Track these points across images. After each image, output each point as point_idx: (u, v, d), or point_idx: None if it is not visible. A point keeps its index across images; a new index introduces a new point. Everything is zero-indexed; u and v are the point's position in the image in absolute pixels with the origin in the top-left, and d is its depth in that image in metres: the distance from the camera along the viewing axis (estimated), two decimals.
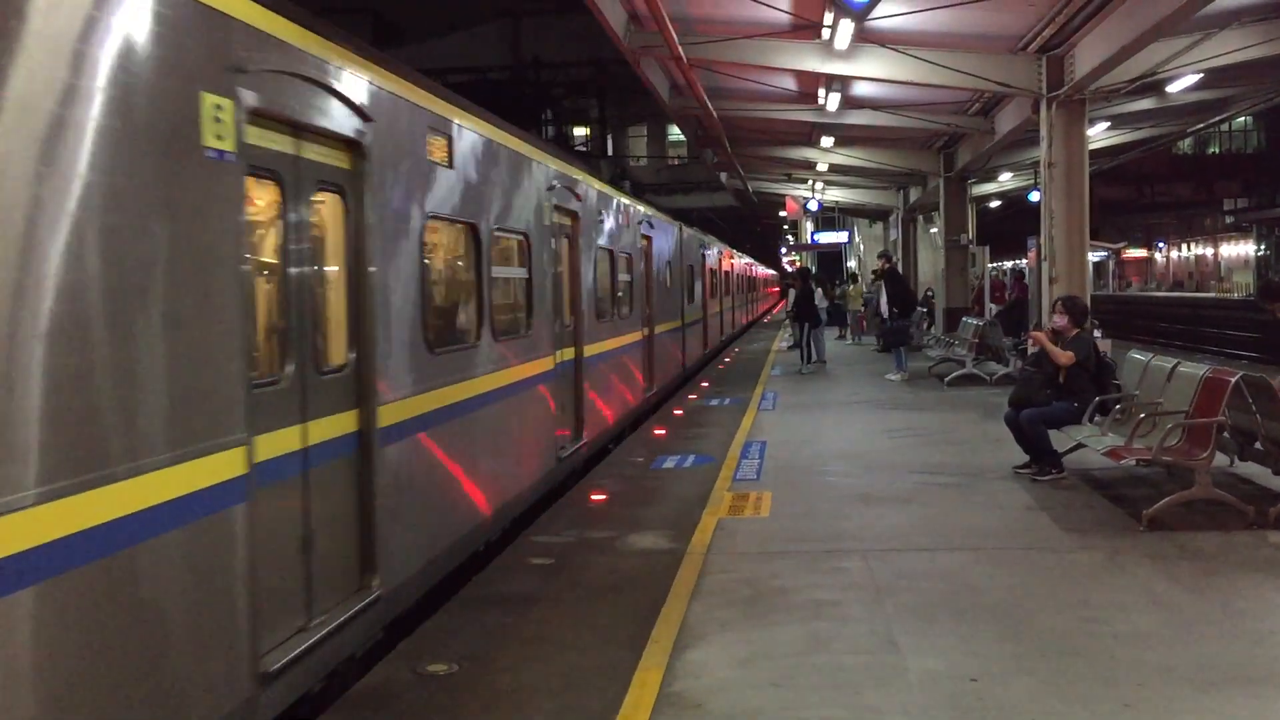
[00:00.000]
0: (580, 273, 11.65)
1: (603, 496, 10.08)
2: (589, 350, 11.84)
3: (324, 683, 5.49)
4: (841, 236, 48.49)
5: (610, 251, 13.57)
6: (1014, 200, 36.62)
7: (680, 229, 21.17)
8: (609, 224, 13.45)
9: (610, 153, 39.52)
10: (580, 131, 38.38)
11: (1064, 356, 10.27)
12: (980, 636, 6.01)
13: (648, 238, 16.84)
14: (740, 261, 41.03)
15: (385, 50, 6.74)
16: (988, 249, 27.08)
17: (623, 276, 14.48)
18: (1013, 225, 36.79)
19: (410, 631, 6.39)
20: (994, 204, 39.84)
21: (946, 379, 19.08)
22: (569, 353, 11.10)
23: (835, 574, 7.29)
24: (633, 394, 14.96)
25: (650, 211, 17.65)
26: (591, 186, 12.36)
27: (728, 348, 31.72)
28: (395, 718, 5.15)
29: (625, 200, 15.20)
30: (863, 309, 30.96)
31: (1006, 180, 32.25)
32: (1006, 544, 8.04)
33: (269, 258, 5.16)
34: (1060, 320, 10.62)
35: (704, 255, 25.68)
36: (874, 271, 35.74)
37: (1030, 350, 11.15)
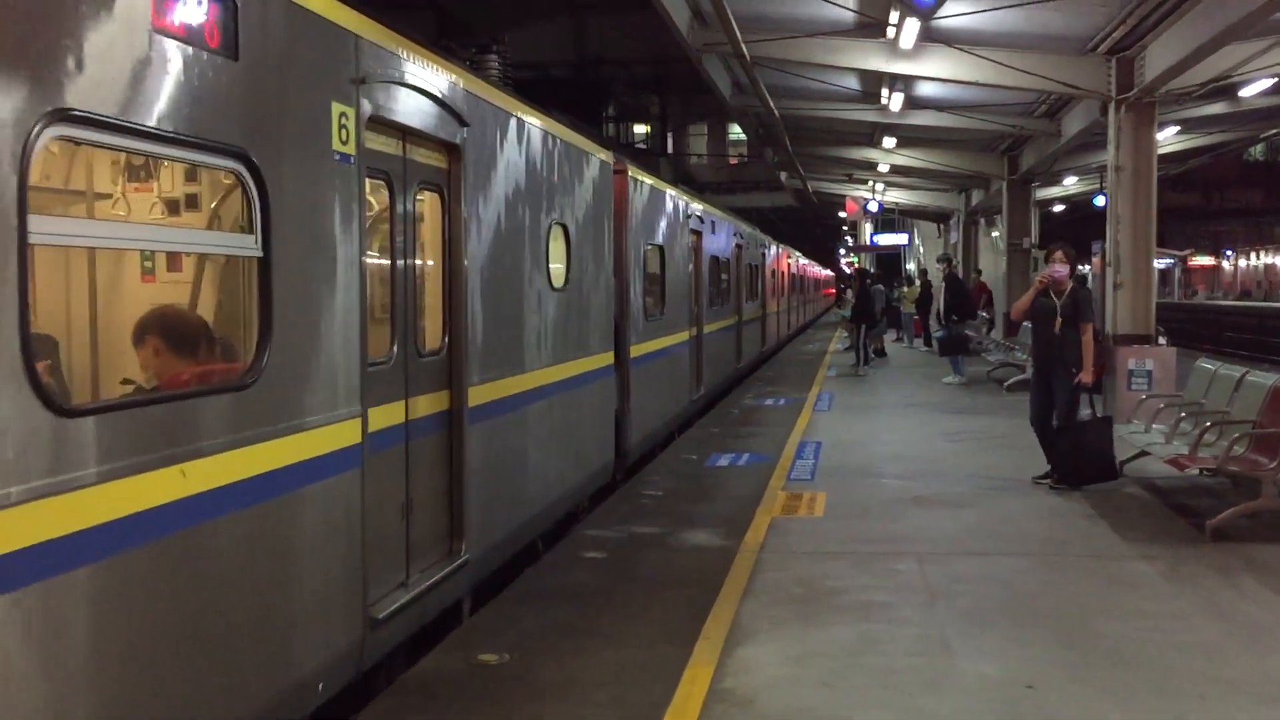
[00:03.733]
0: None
1: (656, 492, 10.09)
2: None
3: None
4: (901, 238, 48.11)
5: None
6: (1078, 204, 36.08)
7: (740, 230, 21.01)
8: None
9: (670, 150, 39.46)
10: (640, 129, 38.33)
11: (1087, 334, 9.84)
12: (1036, 643, 5.93)
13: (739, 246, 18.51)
14: (798, 262, 40.77)
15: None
16: None
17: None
18: (1076, 230, 36.21)
19: None
20: (1057, 208, 39.29)
21: (1005, 384, 18.84)
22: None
23: (889, 576, 7.23)
24: (681, 396, 14.58)
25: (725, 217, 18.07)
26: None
27: (785, 346, 31.61)
28: (445, 704, 5.19)
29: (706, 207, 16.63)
30: (915, 313, 30.40)
31: (1071, 184, 31.77)
32: (1064, 550, 7.92)
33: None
34: (1062, 270, 10.00)
35: (761, 252, 25.38)
36: (911, 278, 34.98)
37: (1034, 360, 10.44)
